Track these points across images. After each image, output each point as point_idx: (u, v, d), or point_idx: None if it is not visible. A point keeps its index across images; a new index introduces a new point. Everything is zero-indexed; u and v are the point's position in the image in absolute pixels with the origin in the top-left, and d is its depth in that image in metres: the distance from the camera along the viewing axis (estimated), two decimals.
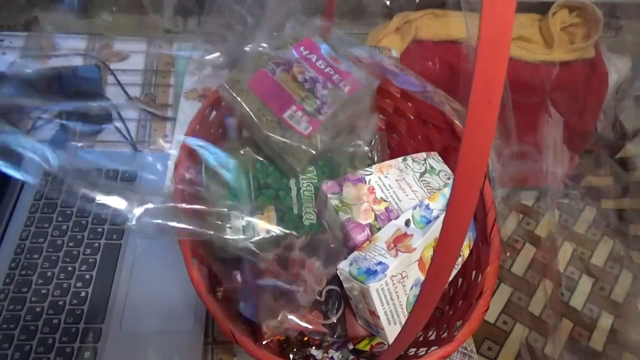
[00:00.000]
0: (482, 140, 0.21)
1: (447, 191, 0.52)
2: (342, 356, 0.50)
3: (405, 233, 0.47)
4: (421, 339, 0.51)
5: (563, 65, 1.34)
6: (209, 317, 0.58)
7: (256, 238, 0.48)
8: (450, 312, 0.51)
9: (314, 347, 0.49)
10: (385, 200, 0.52)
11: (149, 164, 0.69)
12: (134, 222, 0.41)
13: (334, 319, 0.48)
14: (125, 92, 0.78)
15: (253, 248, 0.48)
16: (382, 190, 0.53)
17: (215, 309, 0.41)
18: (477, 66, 0.19)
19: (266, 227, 0.48)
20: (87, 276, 0.59)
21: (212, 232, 0.43)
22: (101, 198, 0.42)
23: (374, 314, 0.44)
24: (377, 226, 0.50)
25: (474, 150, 0.21)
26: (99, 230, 0.63)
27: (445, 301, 0.54)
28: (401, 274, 0.44)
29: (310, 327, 0.47)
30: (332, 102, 0.54)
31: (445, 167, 0.58)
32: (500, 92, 0.20)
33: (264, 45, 0.55)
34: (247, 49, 0.55)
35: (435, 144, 0.61)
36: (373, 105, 0.58)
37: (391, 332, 0.45)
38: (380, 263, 0.44)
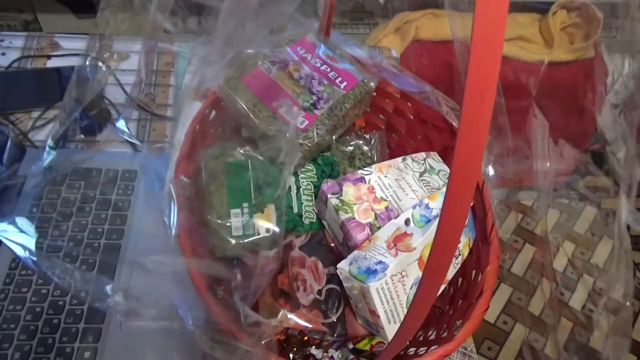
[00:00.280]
0: (477, 136, 0.21)
1: None
2: (342, 355, 0.50)
3: (405, 232, 0.47)
4: (421, 338, 0.51)
5: (563, 65, 1.34)
6: (209, 317, 0.58)
7: (256, 237, 0.48)
8: (450, 312, 0.51)
9: (313, 347, 0.49)
10: (385, 200, 0.52)
11: (149, 164, 0.70)
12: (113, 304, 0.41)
13: (334, 318, 0.48)
14: (125, 92, 0.78)
15: (253, 247, 0.48)
16: (382, 190, 0.53)
17: (216, 308, 0.41)
18: (471, 62, 0.20)
19: (266, 225, 0.48)
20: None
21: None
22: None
23: (374, 313, 0.44)
24: (377, 225, 0.50)
25: (469, 146, 0.21)
26: (99, 230, 0.63)
27: (445, 300, 0.54)
28: (401, 273, 0.44)
29: (310, 326, 0.47)
30: (328, 98, 0.54)
31: (445, 167, 0.58)
32: (494, 89, 0.20)
33: (261, 45, 0.56)
34: (244, 49, 0.55)
35: (434, 144, 0.61)
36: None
37: (391, 331, 0.45)
38: (380, 262, 0.44)
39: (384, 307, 0.43)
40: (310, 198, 0.55)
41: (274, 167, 0.55)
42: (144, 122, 0.77)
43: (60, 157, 0.67)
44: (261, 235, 0.48)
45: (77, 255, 0.60)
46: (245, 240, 0.48)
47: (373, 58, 0.63)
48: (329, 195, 0.51)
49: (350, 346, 0.50)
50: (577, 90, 1.38)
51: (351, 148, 0.61)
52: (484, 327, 1.32)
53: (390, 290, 0.43)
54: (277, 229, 0.48)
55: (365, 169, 0.54)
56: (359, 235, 0.49)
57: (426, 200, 0.51)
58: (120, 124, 0.73)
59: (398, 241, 0.46)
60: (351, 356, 0.50)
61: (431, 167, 0.57)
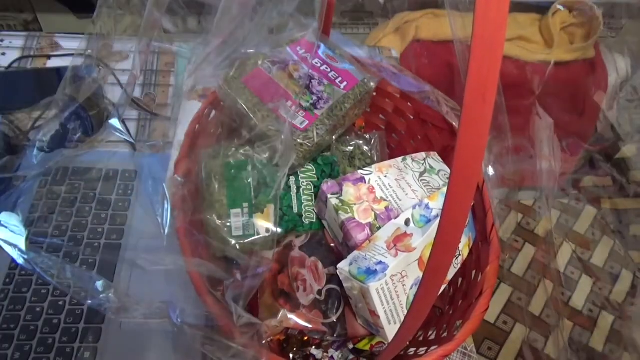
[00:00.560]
0: (477, 137, 0.21)
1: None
2: (342, 355, 0.50)
3: (405, 232, 0.47)
4: (421, 338, 0.51)
5: (563, 65, 1.34)
6: (209, 317, 0.58)
7: (256, 237, 0.48)
8: (450, 312, 0.51)
9: (313, 347, 0.49)
10: (385, 200, 0.52)
11: (149, 164, 0.70)
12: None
13: (334, 318, 0.48)
14: (126, 92, 0.78)
15: (253, 247, 0.48)
16: (382, 190, 0.53)
17: (215, 308, 0.41)
18: (472, 62, 0.20)
19: (266, 225, 0.48)
20: None
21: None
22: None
23: (374, 313, 0.44)
24: (377, 225, 0.50)
25: (469, 147, 0.21)
26: (99, 230, 0.63)
27: (445, 301, 0.54)
28: (401, 274, 0.44)
29: (310, 326, 0.47)
30: (328, 98, 0.54)
31: (445, 167, 0.58)
32: (495, 89, 0.20)
33: (261, 45, 0.56)
34: (244, 49, 0.55)
35: (435, 144, 0.61)
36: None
37: (391, 331, 0.45)
38: (380, 262, 0.44)
39: (384, 308, 0.43)
40: (310, 198, 0.55)
41: (273, 167, 0.55)
42: (144, 122, 0.77)
43: (60, 156, 0.67)
44: (261, 235, 0.48)
45: (77, 255, 0.60)
46: (246, 241, 0.48)
47: (373, 58, 0.63)
48: (329, 195, 0.51)
49: (350, 346, 0.50)
50: (577, 90, 1.38)
51: (351, 148, 0.61)
52: (484, 327, 1.32)
53: (390, 291, 0.43)
54: (277, 229, 0.48)
55: (365, 169, 0.54)
56: (359, 236, 0.49)
57: (426, 201, 0.51)
58: (114, 122, 0.72)
59: (398, 241, 0.46)
60: (351, 356, 0.50)
61: (431, 167, 0.57)
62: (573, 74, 1.36)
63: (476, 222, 0.53)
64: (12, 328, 0.54)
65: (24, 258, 0.42)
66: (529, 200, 1.58)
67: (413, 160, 0.57)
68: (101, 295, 0.41)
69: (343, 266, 0.46)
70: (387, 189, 0.53)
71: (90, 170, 0.68)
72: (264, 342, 0.42)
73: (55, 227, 0.62)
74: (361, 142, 0.62)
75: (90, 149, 0.72)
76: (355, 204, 0.51)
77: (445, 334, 0.48)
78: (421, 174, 0.56)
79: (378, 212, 0.51)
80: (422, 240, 0.46)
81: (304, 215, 0.54)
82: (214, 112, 0.56)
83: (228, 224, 0.48)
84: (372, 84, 0.57)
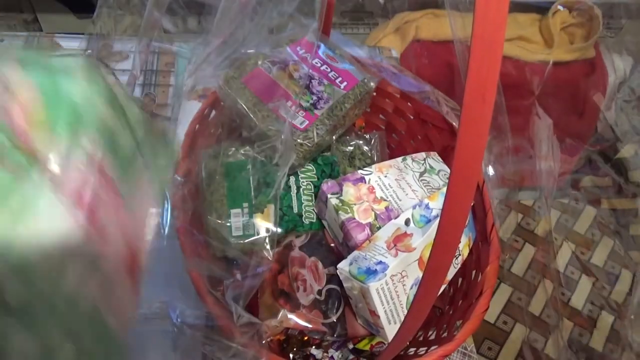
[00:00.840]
0: (477, 137, 0.21)
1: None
2: (342, 355, 0.50)
3: (405, 232, 0.47)
4: (421, 338, 0.51)
5: (563, 66, 1.34)
6: (209, 316, 0.58)
7: (256, 237, 0.48)
8: (450, 312, 0.51)
9: (313, 347, 0.49)
10: (385, 200, 0.52)
11: None
12: None
13: (334, 318, 0.48)
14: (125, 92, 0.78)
15: (253, 247, 0.48)
16: (382, 190, 0.53)
17: (215, 308, 0.41)
18: (471, 63, 0.20)
19: (266, 225, 0.48)
20: None
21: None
22: None
23: (374, 313, 0.44)
24: (377, 225, 0.50)
25: (469, 147, 0.21)
26: None
27: (445, 301, 0.54)
28: (401, 274, 0.44)
29: (310, 326, 0.47)
30: (328, 98, 0.54)
31: (445, 167, 0.58)
32: (495, 89, 0.20)
33: (261, 45, 0.56)
34: (244, 49, 0.55)
35: (435, 144, 0.61)
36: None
37: (391, 331, 0.45)
38: (380, 262, 0.44)
39: (384, 308, 0.43)
40: (310, 198, 0.55)
41: (273, 167, 0.55)
42: None
43: None
44: (261, 235, 0.48)
45: None
46: (246, 241, 0.48)
47: (373, 58, 0.63)
48: (329, 195, 0.51)
49: (350, 346, 0.50)
50: (577, 90, 1.38)
51: (351, 148, 0.61)
52: (484, 327, 1.32)
53: (390, 291, 0.43)
54: (277, 229, 0.48)
55: (365, 169, 0.54)
56: (359, 236, 0.49)
57: (426, 201, 0.51)
58: None
59: (398, 241, 0.46)
60: (351, 356, 0.50)
61: (431, 167, 0.57)
62: (573, 74, 1.36)
63: (476, 222, 0.53)
64: None
65: None
66: (528, 200, 1.58)
67: (413, 160, 0.57)
68: None
69: (343, 266, 0.46)
70: (387, 189, 0.53)
71: None
72: (264, 342, 0.42)
73: None
74: (361, 142, 0.62)
75: None
76: (355, 204, 0.51)
77: (445, 334, 0.48)
78: (421, 174, 0.56)
79: (378, 212, 0.51)
80: (422, 240, 0.46)
81: (304, 215, 0.54)
82: (213, 112, 0.56)
83: (228, 224, 0.48)
84: (372, 84, 0.57)
